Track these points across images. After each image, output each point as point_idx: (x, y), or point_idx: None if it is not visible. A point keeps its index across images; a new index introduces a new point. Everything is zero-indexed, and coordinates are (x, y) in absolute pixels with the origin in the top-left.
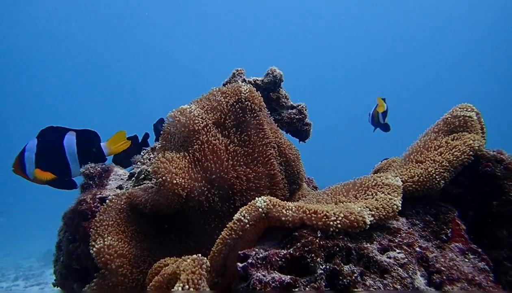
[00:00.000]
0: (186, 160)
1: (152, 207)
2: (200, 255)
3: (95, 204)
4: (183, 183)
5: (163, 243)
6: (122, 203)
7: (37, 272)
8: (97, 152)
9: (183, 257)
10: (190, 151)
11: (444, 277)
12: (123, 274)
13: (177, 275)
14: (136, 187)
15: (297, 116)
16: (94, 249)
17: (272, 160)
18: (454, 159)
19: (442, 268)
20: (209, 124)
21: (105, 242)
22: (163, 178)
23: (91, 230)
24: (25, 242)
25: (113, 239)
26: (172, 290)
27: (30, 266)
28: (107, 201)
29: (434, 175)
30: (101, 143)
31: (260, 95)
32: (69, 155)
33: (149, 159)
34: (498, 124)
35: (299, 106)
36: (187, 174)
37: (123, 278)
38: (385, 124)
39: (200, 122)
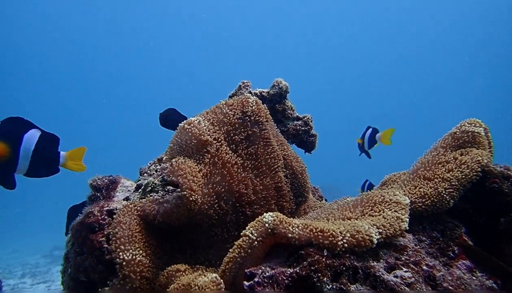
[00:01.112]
0: (201, 174)
1: (163, 219)
2: (216, 276)
3: (103, 216)
4: (198, 200)
5: (172, 254)
6: (135, 214)
7: (44, 269)
8: (53, 158)
9: (200, 272)
10: (201, 165)
11: None
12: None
13: (192, 287)
14: (146, 199)
15: (303, 128)
16: (120, 261)
17: (279, 173)
18: (463, 177)
19: (450, 287)
20: (218, 138)
21: (130, 256)
22: (184, 193)
23: (111, 242)
24: (31, 239)
25: (137, 252)
26: None
27: (37, 263)
28: (121, 211)
29: (444, 195)
30: (61, 152)
31: (266, 107)
32: (24, 150)
33: (156, 170)
34: (503, 135)
35: (305, 118)
36: (201, 189)
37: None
38: (368, 153)
39: (210, 135)
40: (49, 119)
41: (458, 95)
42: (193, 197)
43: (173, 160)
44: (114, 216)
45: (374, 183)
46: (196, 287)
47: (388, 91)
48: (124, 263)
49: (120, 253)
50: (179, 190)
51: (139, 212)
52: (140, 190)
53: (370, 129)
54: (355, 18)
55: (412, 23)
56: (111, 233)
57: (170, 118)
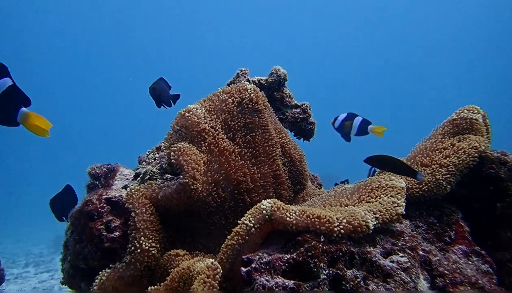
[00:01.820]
0: (202, 162)
1: (163, 203)
2: (214, 261)
3: (101, 204)
4: (199, 188)
5: (172, 241)
6: (146, 202)
7: (47, 258)
8: (12, 111)
9: (199, 258)
10: (200, 152)
11: (447, 281)
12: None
13: (190, 272)
14: (148, 184)
15: (301, 116)
16: (139, 250)
17: (277, 161)
18: (460, 162)
19: (445, 271)
20: (216, 126)
21: (147, 244)
22: (186, 180)
23: (132, 231)
24: (35, 228)
25: (152, 239)
26: None
27: (40, 252)
28: (133, 199)
29: (441, 181)
30: (23, 108)
31: (264, 95)
32: None
33: (154, 159)
34: (503, 124)
35: (303, 106)
36: (201, 178)
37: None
38: (349, 137)
39: (207, 123)
40: (49, 106)
41: (460, 85)
42: (194, 185)
43: (179, 144)
44: (126, 204)
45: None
46: (194, 272)
47: (389, 79)
48: (139, 250)
49: (138, 242)
50: (181, 176)
51: (148, 199)
52: (139, 178)
53: (360, 118)
54: (355, 7)
55: (413, 13)
56: (131, 220)
57: (159, 89)
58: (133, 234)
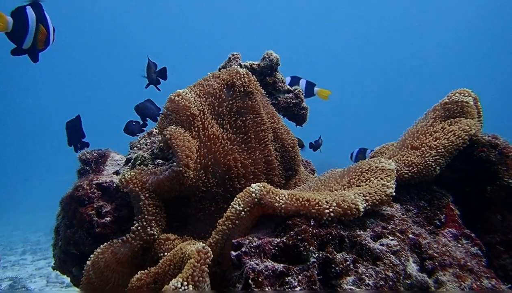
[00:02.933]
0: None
1: (154, 188)
2: (204, 245)
3: (92, 190)
4: (191, 175)
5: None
6: (146, 188)
7: (44, 246)
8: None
9: (189, 242)
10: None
11: (436, 263)
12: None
13: (181, 255)
14: (142, 168)
15: (294, 101)
16: (151, 234)
17: (268, 146)
18: (449, 144)
19: (435, 254)
20: (205, 110)
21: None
22: (179, 169)
23: (144, 215)
24: (33, 216)
25: (156, 223)
26: (173, 287)
27: (38, 240)
28: (132, 183)
29: (431, 162)
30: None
31: (256, 79)
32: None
33: (146, 144)
34: (498, 110)
35: (296, 91)
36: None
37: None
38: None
39: (197, 107)
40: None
41: (454, 74)
42: (187, 173)
43: (172, 126)
44: (125, 190)
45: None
46: (185, 255)
47: (383, 63)
48: (142, 230)
49: (146, 222)
50: (174, 163)
51: (146, 185)
52: (130, 163)
53: (304, 81)
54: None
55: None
56: (138, 208)
57: (145, 109)
58: (141, 216)
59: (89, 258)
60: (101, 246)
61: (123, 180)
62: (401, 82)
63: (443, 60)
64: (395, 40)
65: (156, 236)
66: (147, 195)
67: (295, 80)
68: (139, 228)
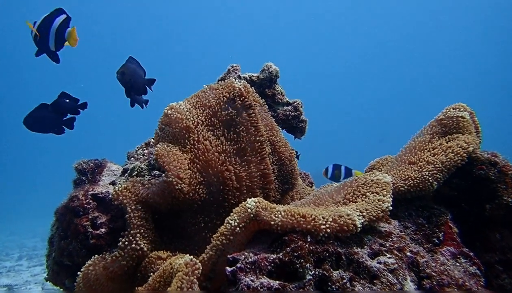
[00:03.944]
0: (186, 161)
1: (149, 201)
2: (192, 258)
3: (87, 200)
4: (184, 189)
5: (158, 241)
6: (135, 200)
7: (41, 252)
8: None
9: (179, 255)
10: (185, 150)
11: (434, 283)
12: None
13: (171, 270)
14: (135, 180)
15: (293, 113)
16: (131, 247)
17: (265, 159)
18: (448, 160)
19: (433, 273)
20: (201, 123)
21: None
22: (170, 179)
23: (129, 231)
24: (29, 222)
25: (146, 238)
26: None
27: (34, 245)
28: (122, 196)
29: (427, 176)
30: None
31: (254, 91)
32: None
33: (143, 155)
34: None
35: (295, 103)
36: (187, 178)
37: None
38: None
39: (192, 120)
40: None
41: (453, 84)
42: (179, 185)
43: (158, 145)
44: (116, 202)
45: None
46: (174, 270)
47: (379, 79)
48: (130, 247)
49: (133, 238)
50: (164, 176)
51: (137, 197)
52: (127, 174)
53: (344, 167)
54: (347, 4)
55: (405, 8)
56: (126, 217)
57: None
58: (128, 230)
59: (80, 270)
60: (92, 258)
61: (113, 192)
62: (403, 94)
63: (444, 73)
64: (397, 52)
65: (145, 249)
66: (133, 207)
67: (337, 167)
68: (126, 243)
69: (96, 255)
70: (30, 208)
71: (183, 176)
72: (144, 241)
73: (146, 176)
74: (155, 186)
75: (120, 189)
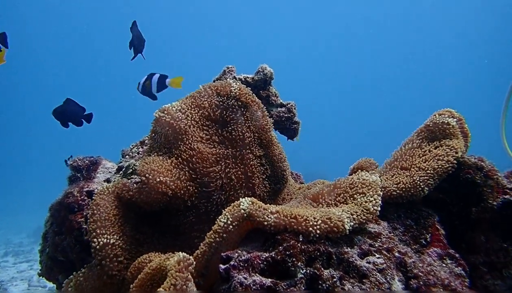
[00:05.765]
0: (170, 160)
1: (138, 203)
2: (185, 255)
3: (82, 197)
4: (168, 181)
5: (149, 240)
6: (113, 196)
7: (27, 248)
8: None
9: (169, 254)
10: (176, 151)
11: (421, 282)
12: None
13: (162, 271)
14: (124, 180)
15: (286, 115)
16: (97, 246)
17: (256, 160)
18: (439, 167)
19: (420, 273)
20: (194, 124)
21: (106, 240)
22: (146, 176)
23: (89, 226)
24: (16, 218)
25: (113, 236)
26: None
27: (20, 242)
28: (97, 194)
29: (419, 182)
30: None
31: (249, 92)
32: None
33: (138, 153)
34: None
35: (289, 105)
36: (170, 173)
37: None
38: (154, 95)
39: (185, 121)
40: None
41: (448, 88)
42: (159, 178)
43: (138, 162)
44: (92, 197)
45: None
46: (166, 270)
47: (376, 82)
48: (98, 247)
49: (96, 238)
50: (142, 174)
51: (116, 194)
52: (121, 171)
53: (158, 75)
54: (343, 5)
55: (401, 11)
56: (88, 214)
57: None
58: (90, 229)
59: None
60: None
61: (96, 191)
62: (396, 95)
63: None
64: (391, 52)
65: (120, 255)
66: (106, 206)
67: (150, 76)
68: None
69: (81, 270)
70: (16, 204)
71: (160, 170)
72: (115, 236)
73: (136, 178)
74: (133, 185)
75: (101, 188)
